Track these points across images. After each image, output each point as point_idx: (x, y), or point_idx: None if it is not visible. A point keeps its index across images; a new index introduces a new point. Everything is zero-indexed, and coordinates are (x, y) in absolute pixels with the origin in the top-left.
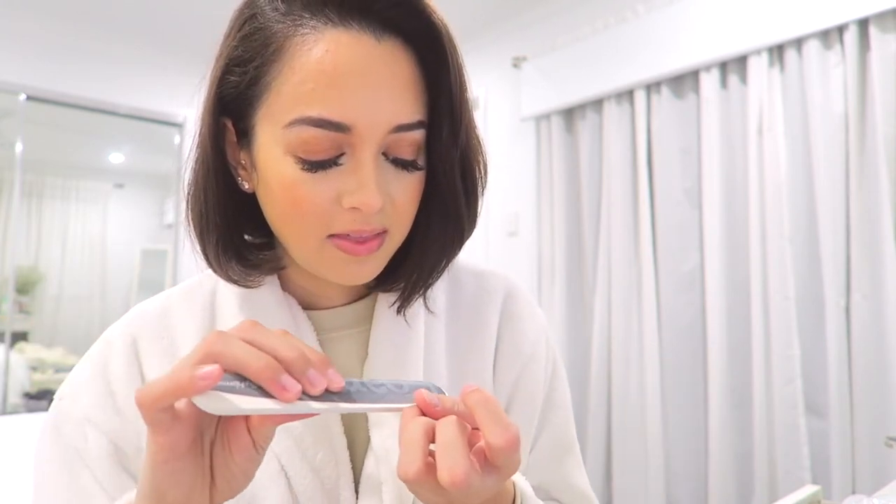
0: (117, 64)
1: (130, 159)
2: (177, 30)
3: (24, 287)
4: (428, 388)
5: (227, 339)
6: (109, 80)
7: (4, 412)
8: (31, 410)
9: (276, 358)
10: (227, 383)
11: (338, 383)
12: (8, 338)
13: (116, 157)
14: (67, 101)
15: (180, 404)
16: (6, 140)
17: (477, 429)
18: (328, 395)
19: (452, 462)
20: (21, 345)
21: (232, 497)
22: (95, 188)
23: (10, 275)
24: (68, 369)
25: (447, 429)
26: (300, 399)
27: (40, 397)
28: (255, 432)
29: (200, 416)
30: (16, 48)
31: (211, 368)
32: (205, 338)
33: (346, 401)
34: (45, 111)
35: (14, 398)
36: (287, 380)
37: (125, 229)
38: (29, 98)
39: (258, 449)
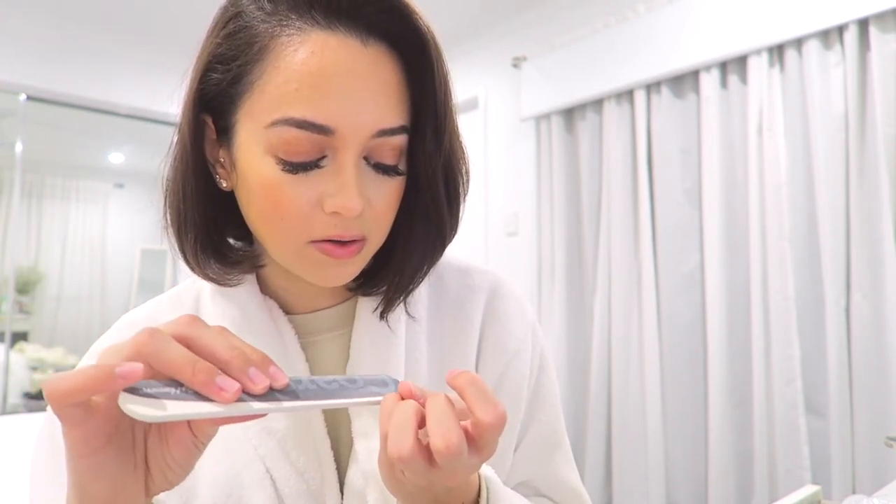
0: (117, 64)
1: (130, 159)
2: (177, 30)
3: (24, 287)
4: (384, 382)
5: (161, 340)
6: (109, 80)
7: (4, 412)
8: (31, 410)
9: (213, 357)
10: (162, 389)
11: (281, 380)
12: (8, 338)
13: (116, 157)
14: (67, 101)
15: (97, 397)
16: (6, 140)
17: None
18: (272, 393)
19: (446, 429)
20: (21, 345)
21: (169, 488)
22: (95, 188)
23: (10, 275)
24: (68, 369)
25: (439, 403)
26: (241, 399)
27: (40, 397)
28: (195, 428)
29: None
30: (16, 48)
31: (133, 367)
32: (136, 335)
33: (292, 399)
34: (45, 111)
35: (14, 398)
36: (224, 380)
37: (125, 229)
38: (29, 98)
39: (198, 444)
